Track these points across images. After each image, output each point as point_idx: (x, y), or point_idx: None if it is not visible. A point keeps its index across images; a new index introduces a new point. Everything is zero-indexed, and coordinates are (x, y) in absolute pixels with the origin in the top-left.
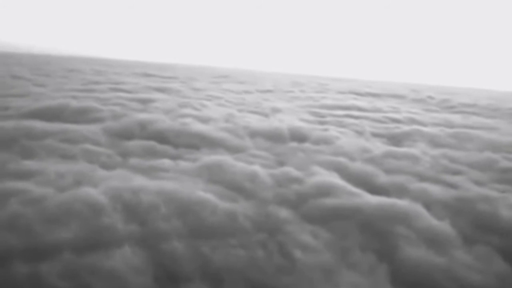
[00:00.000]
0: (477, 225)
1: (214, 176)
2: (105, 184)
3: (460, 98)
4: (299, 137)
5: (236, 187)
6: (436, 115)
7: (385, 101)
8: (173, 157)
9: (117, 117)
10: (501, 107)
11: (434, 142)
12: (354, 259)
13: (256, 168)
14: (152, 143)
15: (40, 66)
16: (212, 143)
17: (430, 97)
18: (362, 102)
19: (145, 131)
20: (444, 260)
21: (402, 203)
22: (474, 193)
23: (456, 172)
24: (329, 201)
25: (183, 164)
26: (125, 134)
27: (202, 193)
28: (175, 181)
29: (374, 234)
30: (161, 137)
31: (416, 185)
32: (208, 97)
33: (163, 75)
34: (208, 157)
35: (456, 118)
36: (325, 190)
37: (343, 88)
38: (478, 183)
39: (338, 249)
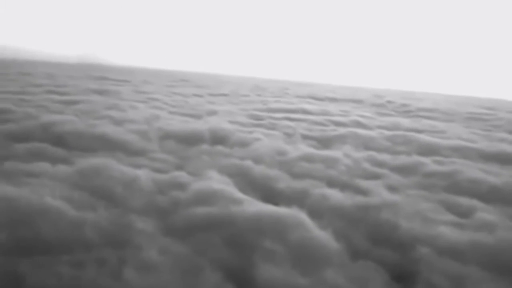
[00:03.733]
0: (372, 237)
1: (84, 181)
2: None
3: (421, 103)
4: (217, 139)
5: (104, 194)
6: (387, 118)
7: (340, 105)
8: (57, 161)
9: (25, 119)
10: (460, 111)
11: (365, 145)
12: (199, 280)
13: (140, 173)
14: (45, 145)
15: None
16: (112, 146)
17: (390, 102)
18: (313, 106)
19: (45, 133)
20: (307, 282)
21: (284, 212)
22: (382, 199)
23: (373, 177)
24: (202, 210)
25: (62, 168)
26: (21, 136)
27: (51, 200)
28: (31, 186)
29: (238, 248)
30: (60, 139)
31: (319, 191)
32: (146, 99)
33: (118, 78)
34: (91, 160)
35: (406, 121)
36: (206, 198)
37: (304, 92)
38: (392, 188)
39: (185, 268)
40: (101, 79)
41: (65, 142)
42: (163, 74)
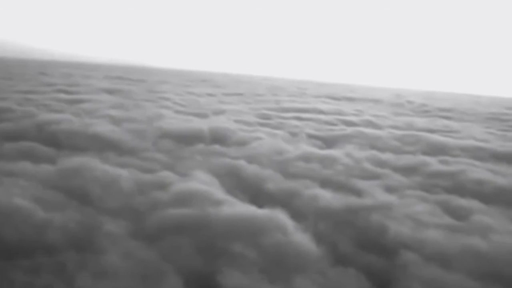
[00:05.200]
0: (357, 241)
1: (62, 180)
2: None
3: (442, 103)
4: (216, 138)
5: (79, 194)
6: (402, 118)
7: (356, 104)
8: (42, 160)
9: (23, 118)
10: (481, 111)
11: (371, 144)
12: (158, 286)
13: (124, 172)
14: (35, 144)
15: (10, 70)
16: (104, 145)
17: (409, 102)
18: (327, 106)
19: (39, 132)
20: None
21: (263, 214)
22: (375, 201)
23: (372, 177)
24: (177, 212)
25: (44, 167)
26: (15, 135)
27: (20, 201)
28: (4, 186)
29: (207, 253)
30: (52, 138)
31: (309, 192)
32: (157, 98)
33: (135, 78)
34: (74, 160)
35: (421, 121)
36: (185, 199)
37: (322, 92)
38: (390, 189)
39: (147, 273)
40: (117, 79)
41: (57, 141)
42: (184, 74)
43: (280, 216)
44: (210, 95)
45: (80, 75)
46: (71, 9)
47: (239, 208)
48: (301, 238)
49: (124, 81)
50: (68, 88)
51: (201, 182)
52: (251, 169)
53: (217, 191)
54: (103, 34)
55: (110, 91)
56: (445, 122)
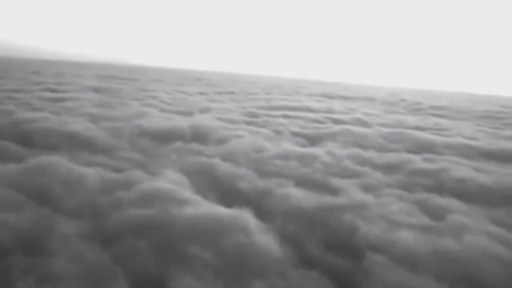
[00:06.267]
0: (326, 242)
1: (24, 180)
2: None
3: (436, 101)
4: (196, 137)
5: (39, 194)
6: (393, 116)
7: (349, 103)
8: (11, 159)
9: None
10: (474, 109)
11: (355, 142)
12: None
13: (90, 171)
14: (7, 143)
15: (3, 69)
16: (78, 144)
17: (403, 100)
18: (319, 104)
19: (14, 131)
20: None
21: (227, 214)
22: (350, 200)
23: (351, 175)
24: (138, 212)
25: (10, 167)
26: None
27: None
28: None
29: (162, 255)
30: (27, 137)
31: (282, 191)
32: (145, 97)
33: (127, 77)
34: (42, 159)
35: (412, 119)
36: (149, 198)
37: (317, 91)
38: (368, 188)
39: (94, 277)
40: (110, 77)
41: (31, 140)
42: (179, 73)
43: (246, 216)
44: (201, 93)
45: (72, 73)
46: (74, 9)
47: (203, 208)
48: (264, 239)
49: (116, 80)
50: (56, 86)
51: (170, 181)
52: (225, 168)
53: (184, 191)
54: (107, 34)
55: (98, 90)
56: (437, 120)
